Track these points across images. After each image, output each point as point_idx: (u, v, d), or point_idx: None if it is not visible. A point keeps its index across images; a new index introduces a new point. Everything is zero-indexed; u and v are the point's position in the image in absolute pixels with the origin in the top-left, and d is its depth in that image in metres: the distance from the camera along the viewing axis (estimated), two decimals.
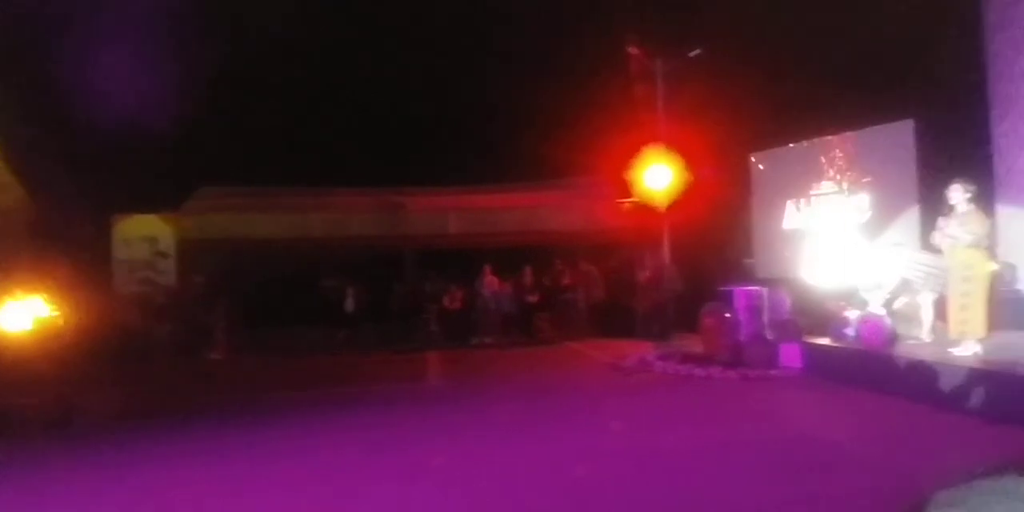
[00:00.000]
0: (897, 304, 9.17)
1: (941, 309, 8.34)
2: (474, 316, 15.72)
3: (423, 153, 17.86)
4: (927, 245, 8.31)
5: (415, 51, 18.13)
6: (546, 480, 5.38)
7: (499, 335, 15.37)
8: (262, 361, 13.59)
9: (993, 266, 9.82)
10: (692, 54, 13.78)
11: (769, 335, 10.55)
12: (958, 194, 7.56)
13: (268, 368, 13.01)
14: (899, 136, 10.86)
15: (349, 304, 16.26)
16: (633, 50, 14.03)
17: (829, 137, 12.05)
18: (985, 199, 10.02)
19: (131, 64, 14.75)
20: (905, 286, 9.07)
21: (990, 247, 9.99)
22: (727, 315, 10.87)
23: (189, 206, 16.10)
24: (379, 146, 18.34)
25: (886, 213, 10.95)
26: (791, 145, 12.92)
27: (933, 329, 8.72)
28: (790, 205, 12.82)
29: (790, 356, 9.91)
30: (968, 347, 7.50)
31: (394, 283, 16.35)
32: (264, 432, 7.39)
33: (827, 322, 9.98)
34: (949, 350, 7.67)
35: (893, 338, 8.70)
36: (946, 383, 7.10)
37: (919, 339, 8.80)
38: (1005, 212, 9.99)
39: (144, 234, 16.15)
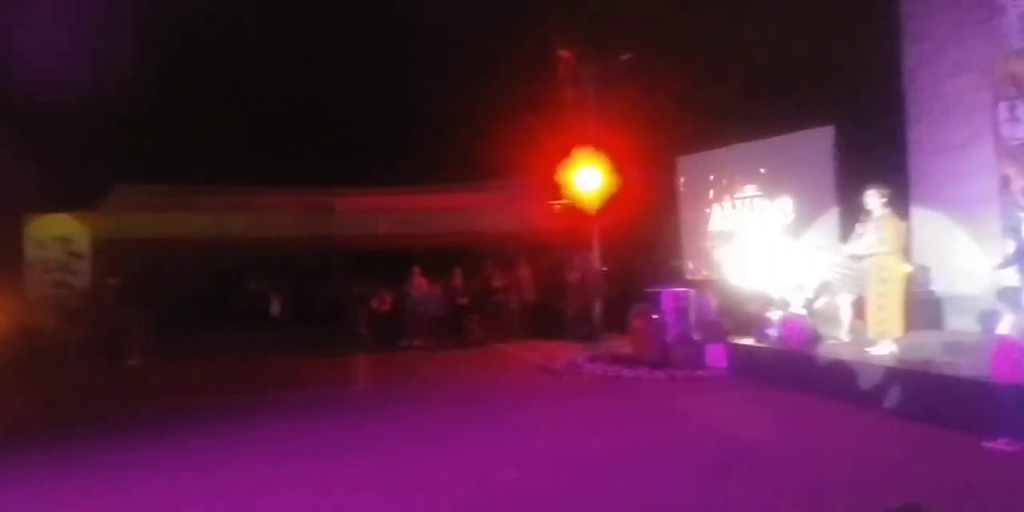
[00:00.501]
0: (818, 305, 9.41)
1: (860, 309, 8.60)
2: (403, 318, 15.49)
3: (352, 153, 17.54)
4: (846, 248, 8.56)
5: (345, 49, 17.82)
6: (472, 485, 5.28)
7: (429, 338, 15.19)
8: (182, 366, 13.08)
9: (908, 268, 10.20)
10: (622, 58, 13.91)
11: (695, 336, 10.70)
12: (873, 199, 7.82)
13: (188, 374, 12.52)
14: (820, 142, 11.19)
15: (274, 307, 15.85)
16: (563, 53, 14.07)
17: (753, 142, 12.32)
18: (900, 203, 10.40)
19: (44, 58, 14.06)
20: (825, 287, 9.32)
21: (905, 250, 10.37)
22: (655, 316, 10.99)
23: (106, 205, 15.42)
24: (307, 145, 17.96)
25: (808, 216, 11.25)
26: (717, 149, 13.17)
27: (852, 329, 8.98)
28: (716, 208, 13.06)
29: (715, 356, 10.06)
30: (885, 346, 7.75)
31: (321, 285, 15.99)
32: (178, 441, 7.07)
33: (751, 323, 10.18)
34: (867, 349, 7.90)
35: (814, 338, 8.92)
36: (864, 382, 7.30)
37: (839, 339, 9.05)
38: (919, 216, 10.37)
39: (58, 234, 15.45)
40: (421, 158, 16.34)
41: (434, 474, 5.59)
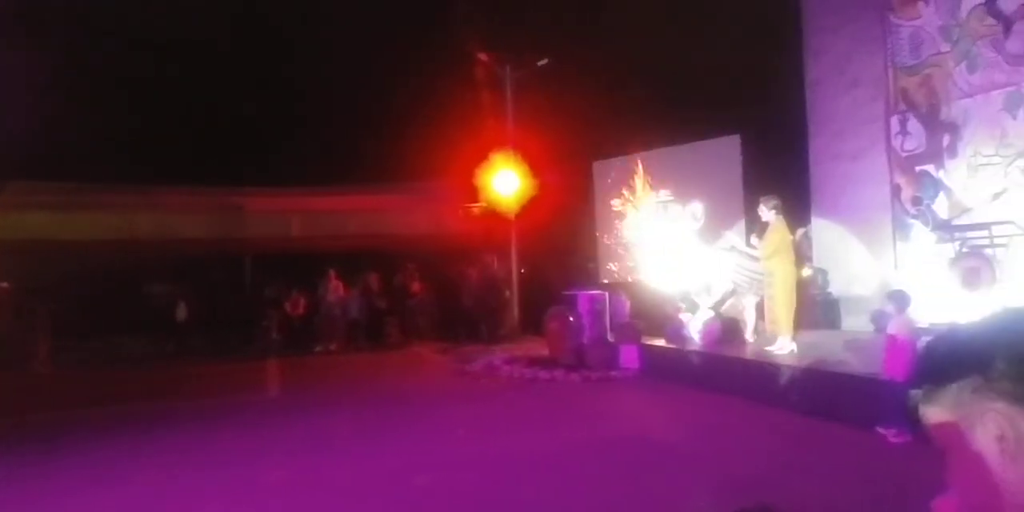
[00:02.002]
0: (725, 306, 9.76)
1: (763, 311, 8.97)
2: (318, 322, 15.22)
3: (264, 153, 17.12)
4: (743, 252, 8.96)
5: (259, 47, 17.39)
6: (385, 492, 5.24)
7: (344, 342, 14.97)
8: (82, 374, 12.47)
9: (807, 272, 10.70)
10: (540, 63, 14.10)
11: (610, 338, 10.91)
12: (763, 208, 8.17)
13: (88, 382, 11.93)
14: (727, 150, 11.62)
15: (180, 312, 15.28)
16: (482, 56, 14.15)
17: (665, 148, 12.68)
18: (801, 210, 10.91)
19: None
20: (732, 289, 9.67)
21: (804, 254, 10.88)
22: (571, 319, 11.14)
23: None
24: (216, 144, 17.39)
25: (717, 220, 11.66)
26: (631, 154, 13.48)
27: (756, 330, 9.35)
28: (630, 212, 13.36)
29: (629, 358, 10.28)
30: (784, 345, 8.10)
31: (231, 288, 15.52)
32: (79, 454, 6.73)
33: (664, 324, 10.45)
34: (767, 348, 8.24)
35: (722, 339, 9.24)
36: (767, 380, 7.61)
37: (745, 339, 9.40)
38: (818, 222, 10.90)
39: None
40: (337, 159, 16.08)
41: (347, 481, 5.51)
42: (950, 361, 0.88)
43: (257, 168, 16.33)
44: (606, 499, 4.86)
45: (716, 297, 9.68)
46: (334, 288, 15.18)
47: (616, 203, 13.73)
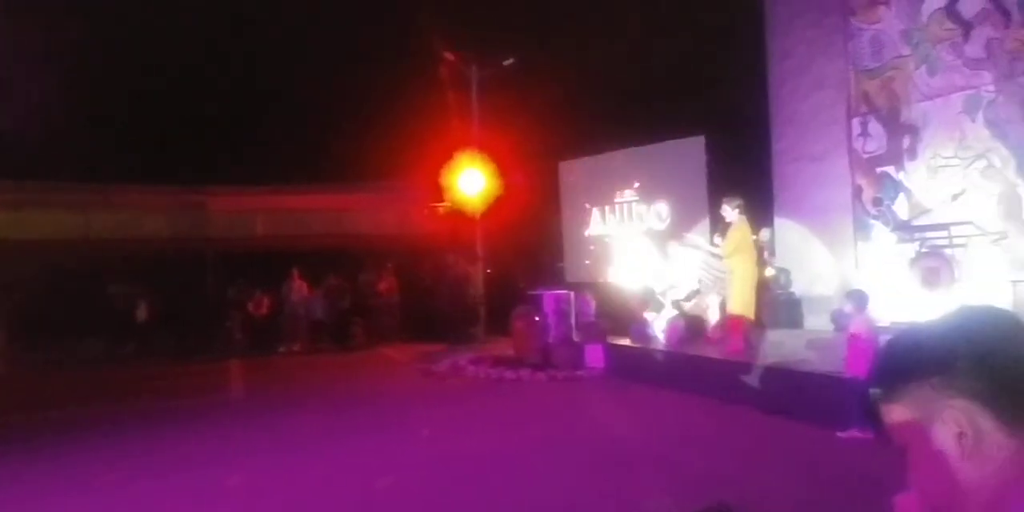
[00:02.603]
0: (690, 305, 9.82)
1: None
2: (282, 322, 15.01)
3: (228, 150, 16.83)
4: (706, 251, 9.04)
5: (223, 44, 17.10)
6: (348, 494, 5.17)
7: (308, 342, 14.79)
8: (39, 376, 12.16)
9: (770, 271, 10.81)
10: (506, 63, 14.07)
11: (576, 337, 10.92)
12: (726, 208, 8.24)
13: (45, 384, 11.64)
14: (692, 150, 11.69)
15: (141, 312, 14.97)
16: (448, 55, 14.08)
17: (631, 149, 12.72)
18: (765, 210, 11.03)
19: None
20: (697, 288, 9.74)
21: (767, 253, 10.99)
22: (536, 318, 11.13)
23: None
24: (179, 141, 17.07)
25: (683, 221, 11.73)
26: (597, 155, 13.51)
27: (720, 328, 9.41)
28: (595, 212, 13.40)
29: (595, 357, 10.30)
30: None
31: (193, 288, 15.24)
32: (40, 457, 6.54)
33: (629, 323, 10.49)
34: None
35: (686, 337, 9.30)
36: (729, 378, 7.66)
37: (708, 337, 9.47)
38: (781, 222, 11.02)
39: None
40: (302, 157, 15.88)
41: (310, 484, 5.43)
42: (910, 359, 0.87)
43: (221, 166, 16.04)
44: (570, 497, 4.84)
45: (681, 296, 9.74)
46: (298, 288, 14.99)
47: (582, 203, 13.75)
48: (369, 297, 15.50)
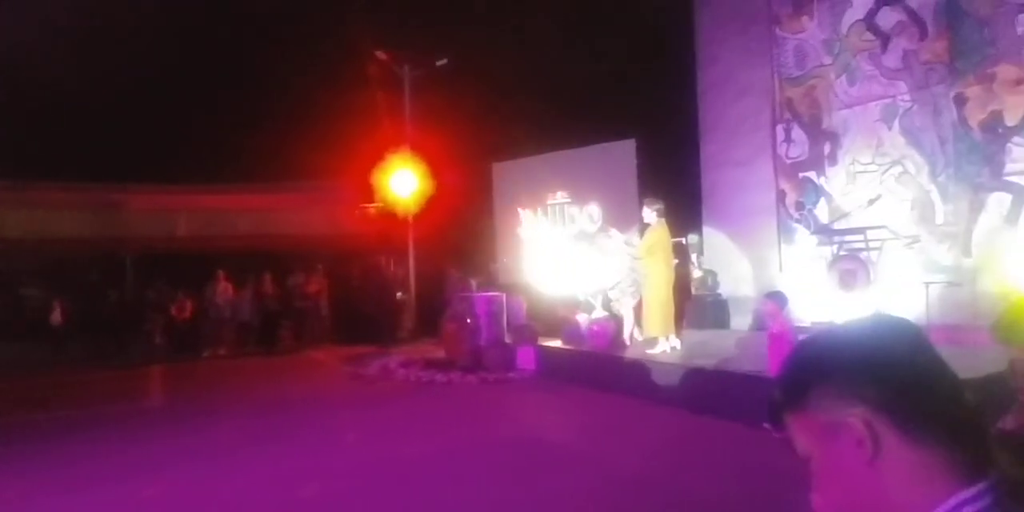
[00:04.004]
0: (617, 307, 9.90)
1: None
2: (206, 326, 14.56)
3: (150, 147, 16.26)
4: (626, 253, 9.16)
5: (146, 38, 16.51)
6: (271, 503, 5.01)
7: (234, 346, 14.38)
8: None
9: (697, 273, 10.99)
10: (439, 63, 13.98)
11: (507, 339, 10.90)
12: (647, 209, 8.35)
13: None
14: (623, 153, 11.81)
15: (56, 315, 14.32)
16: (380, 54, 13.90)
17: (562, 151, 12.79)
18: (693, 214, 11.24)
19: None
20: (624, 290, 9.82)
21: (696, 256, 11.18)
22: (468, 320, 11.07)
23: None
24: (97, 136, 16.39)
25: (614, 222, 11.82)
26: (530, 157, 13.54)
27: (643, 330, 9.50)
28: (528, 214, 13.42)
29: (526, 359, 10.30)
30: (660, 345, 8.27)
31: (111, 290, 14.65)
32: None
33: (559, 325, 10.52)
34: (646, 350, 8.37)
35: (615, 339, 9.37)
36: (657, 380, 7.75)
37: (635, 340, 9.55)
38: (708, 225, 11.25)
39: None
40: (228, 156, 15.44)
41: (231, 494, 5.24)
42: (813, 366, 0.86)
43: (141, 163, 15.48)
44: (497, 500, 4.80)
45: (610, 298, 9.81)
46: (223, 290, 14.56)
47: (514, 205, 13.75)
48: (297, 299, 15.17)
